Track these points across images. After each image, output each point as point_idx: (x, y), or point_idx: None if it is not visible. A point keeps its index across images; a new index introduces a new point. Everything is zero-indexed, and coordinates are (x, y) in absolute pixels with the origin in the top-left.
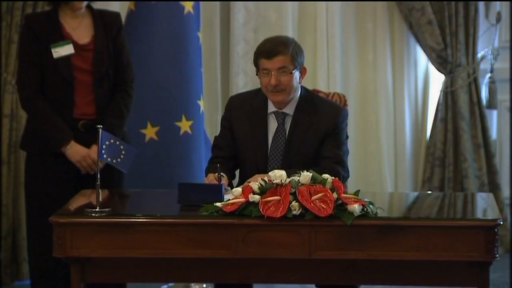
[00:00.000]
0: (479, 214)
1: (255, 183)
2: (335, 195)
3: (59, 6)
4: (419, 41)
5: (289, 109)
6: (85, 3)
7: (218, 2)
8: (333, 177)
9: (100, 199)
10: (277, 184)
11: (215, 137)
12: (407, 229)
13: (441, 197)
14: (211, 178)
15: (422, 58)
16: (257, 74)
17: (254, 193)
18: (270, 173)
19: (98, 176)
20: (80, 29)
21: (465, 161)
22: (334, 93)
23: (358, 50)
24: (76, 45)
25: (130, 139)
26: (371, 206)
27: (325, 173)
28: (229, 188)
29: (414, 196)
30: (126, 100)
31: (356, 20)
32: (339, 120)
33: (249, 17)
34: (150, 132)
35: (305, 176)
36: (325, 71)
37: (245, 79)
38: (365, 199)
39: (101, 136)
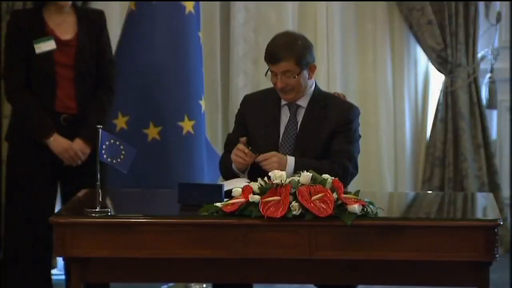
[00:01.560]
0: (479, 214)
1: (255, 184)
2: (335, 195)
3: (44, 3)
4: (419, 41)
5: (303, 102)
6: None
7: (218, 2)
8: (333, 177)
9: (100, 199)
10: (277, 184)
11: (228, 134)
12: (407, 229)
13: (441, 197)
14: (241, 148)
15: (422, 58)
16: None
17: (254, 193)
18: (270, 173)
19: (98, 176)
20: (64, 26)
21: (465, 161)
22: (334, 93)
23: (358, 50)
24: (58, 41)
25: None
26: (371, 206)
27: (335, 166)
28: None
29: (414, 196)
30: (109, 96)
31: (356, 20)
32: (351, 116)
33: (249, 17)
34: (152, 132)
35: (305, 176)
36: (325, 71)
37: (245, 80)
38: (365, 199)
39: (101, 137)
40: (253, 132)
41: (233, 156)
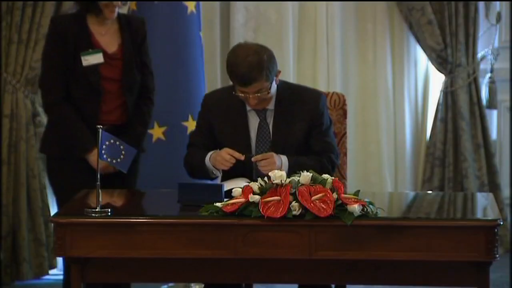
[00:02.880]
0: (479, 214)
1: (255, 184)
2: (335, 196)
3: (88, 10)
4: (419, 41)
5: (269, 104)
6: (117, 12)
7: (218, 2)
8: (333, 178)
9: (100, 199)
10: (277, 184)
11: (191, 135)
12: (407, 229)
13: (441, 197)
14: (236, 156)
15: (422, 58)
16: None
17: (254, 193)
18: (270, 173)
19: (98, 176)
20: (108, 36)
21: (465, 161)
22: (333, 93)
23: (358, 50)
24: (105, 54)
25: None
26: (371, 206)
27: (324, 162)
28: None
29: (414, 196)
30: (149, 108)
31: (356, 20)
32: (321, 107)
33: (249, 17)
34: (157, 132)
35: (305, 176)
36: (325, 71)
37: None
38: (365, 199)
39: (101, 137)
40: (221, 136)
41: (220, 165)
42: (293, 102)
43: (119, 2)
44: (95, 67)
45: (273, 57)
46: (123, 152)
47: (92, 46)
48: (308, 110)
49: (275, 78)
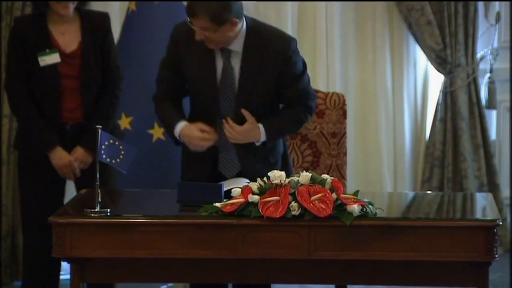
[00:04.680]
0: (478, 214)
1: (254, 184)
2: (334, 196)
3: (48, 9)
4: (418, 41)
5: (237, 46)
6: (71, 8)
7: None
8: (332, 178)
9: (99, 199)
10: (276, 185)
11: (160, 67)
12: (406, 229)
13: (440, 197)
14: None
15: (421, 58)
16: None
17: (253, 193)
18: (269, 173)
19: (98, 176)
20: (67, 35)
21: (465, 161)
22: (333, 93)
23: (358, 50)
24: (63, 54)
25: (123, 134)
26: (370, 206)
27: (300, 115)
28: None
29: (413, 196)
30: (113, 101)
31: (355, 20)
32: (290, 51)
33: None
34: (157, 132)
35: (304, 176)
36: (324, 71)
37: None
38: (364, 199)
39: (100, 137)
40: (188, 72)
41: (193, 148)
42: (261, 46)
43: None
44: (53, 67)
45: (228, 5)
46: (122, 152)
47: (51, 46)
48: (277, 55)
49: (228, 23)
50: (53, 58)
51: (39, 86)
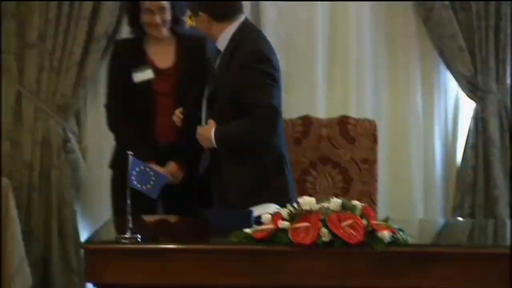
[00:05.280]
0: (510, 242)
1: (284, 210)
2: (365, 222)
3: (144, 33)
4: (449, 67)
5: (220, 45)
6: (164, 30)
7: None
8: (363, 204)
9: (131, 225)
10: (306, 211)
11: None
12: (438, 256)
13: (471, 224)
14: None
15: (452, 84)
16: None
17: (284, 219)
18: (299, 199)
19: (129, 202)
20: (162, 54)
21: (496, 188)
22: (364, 119)
23: (389, 76)
24: (157, 70)
25: None
26: (401, 233)
27: (252, 125)
28: None
29: (444, 222)
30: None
31: (386, 47)
32: (255, 59)
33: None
34: None
35: (335, 203)
36: (355, 97)
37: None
38: (395, 226)
39: (131, 163)
40: None
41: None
42: (236, 47)
43: (162, 19)
44: (147, 83)
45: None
46: (153, 179)
47: (145, 63)
48: (244, 58)
49: (205, 13)
50: (146, 74)
51: (135, 104)
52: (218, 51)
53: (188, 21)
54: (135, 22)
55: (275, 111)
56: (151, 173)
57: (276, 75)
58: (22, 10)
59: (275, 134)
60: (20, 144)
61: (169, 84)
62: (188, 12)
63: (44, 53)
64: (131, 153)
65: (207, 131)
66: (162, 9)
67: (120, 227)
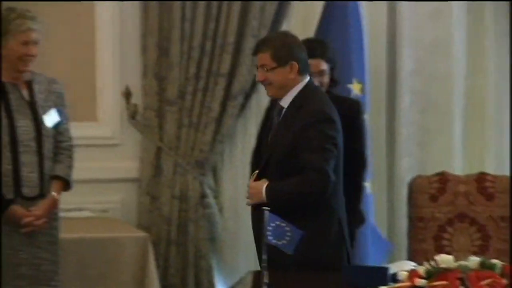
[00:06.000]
0: None
1: (421, 267)
2: (505, 281)
3: None
4: None
5: (285, 103)
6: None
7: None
8: (502, 263)
9: (266, 281)
10: (444, 269)
11: None
12: None
13: None
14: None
15: None
16: None
17: (420, 277)
18: (436, 257)
19: (265, 257)
20: None
21: None
22: (502, 176)
23: None
24: None
25: None
26: None
27: (305, 185)
28: None
29: None
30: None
31: None
32: (315, 120)
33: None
34: None
35: (473, 261)
36: (492, 153)
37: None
38: None
39: (267, 218)
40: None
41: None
42: (299, 106)
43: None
44: None
45: (290, 45)
46: (288, 234)
47: None
48: (304, 117)
49: (287, 66)
50: None
51: None
52: (279, 107)
53: (259, 73)
54: None
55: (327, 177)
56: (287, 228)
57: (337, 137)
58: (162, 66)
59: (325, 197)
60: (159, 198)
61: None
62: (262, 61)
63: (183, 110)
64: (267, 208)
65: (260, 186)
66: (321, 72)
67: (257, 283)
